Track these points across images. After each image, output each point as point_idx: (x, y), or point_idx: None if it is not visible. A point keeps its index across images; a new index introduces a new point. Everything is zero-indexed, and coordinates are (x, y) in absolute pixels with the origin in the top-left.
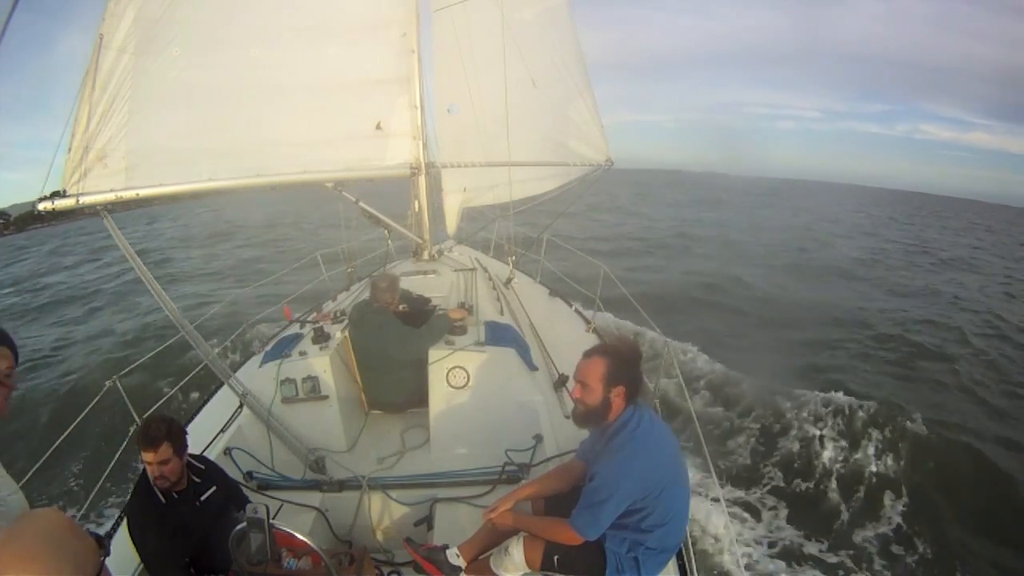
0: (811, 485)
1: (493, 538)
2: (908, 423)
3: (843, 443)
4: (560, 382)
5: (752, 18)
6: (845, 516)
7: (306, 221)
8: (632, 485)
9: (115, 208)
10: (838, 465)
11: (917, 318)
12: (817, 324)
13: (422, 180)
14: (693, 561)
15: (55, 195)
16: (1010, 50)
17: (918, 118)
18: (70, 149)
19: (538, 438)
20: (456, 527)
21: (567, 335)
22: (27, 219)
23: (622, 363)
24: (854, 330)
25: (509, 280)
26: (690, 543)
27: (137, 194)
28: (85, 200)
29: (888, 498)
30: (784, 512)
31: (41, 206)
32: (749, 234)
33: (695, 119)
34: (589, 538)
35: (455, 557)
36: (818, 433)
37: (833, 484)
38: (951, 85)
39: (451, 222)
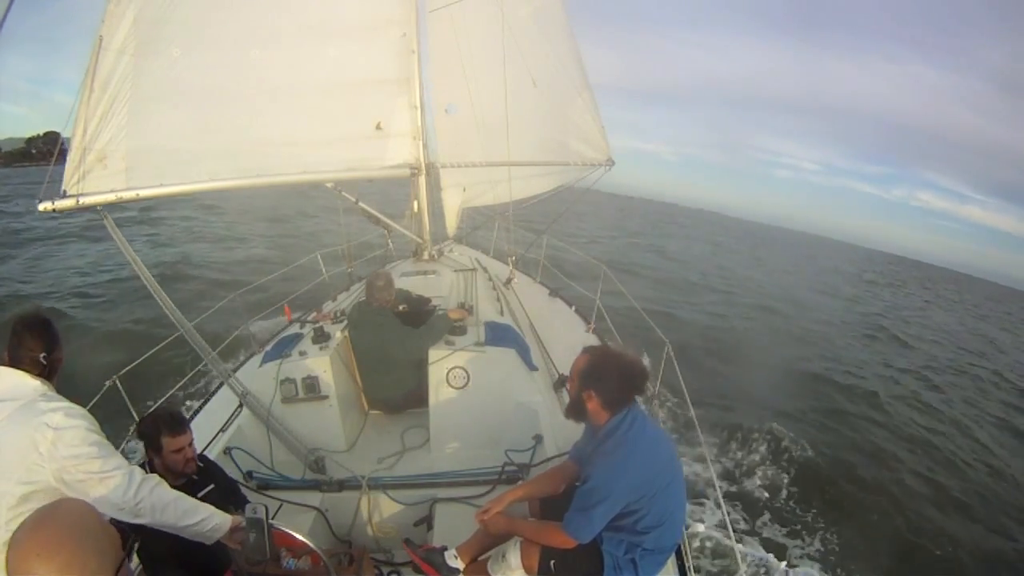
0: (814, 483)
1: (491, 540)
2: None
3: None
4: (560, 382)
5: (762, 62)
6: (848, 515)
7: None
8: (625, 488)
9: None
10: (844, 465)
11: None
12: None
13: (422, 180)
14: (691, 560)
15: (55, 196)
16: (1012, 129)
17: (916, 185)
18: (70, 150)
19: (538, 438)
20: (456, 527)
21: (567, 335)
22: (16, 156)
23: (604, 368)
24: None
25: (509, 280)
26: (687, 543)
27: (137, 194)
28: (85, 201)
29: (889, 502)
30: (785, 510)
31: (41, 207)
32: None
33: (694, 154)
34: (582, 541)
35: (453, 559)
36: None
37: (839, 483)
38: (952, 157)
39: (451, 222)
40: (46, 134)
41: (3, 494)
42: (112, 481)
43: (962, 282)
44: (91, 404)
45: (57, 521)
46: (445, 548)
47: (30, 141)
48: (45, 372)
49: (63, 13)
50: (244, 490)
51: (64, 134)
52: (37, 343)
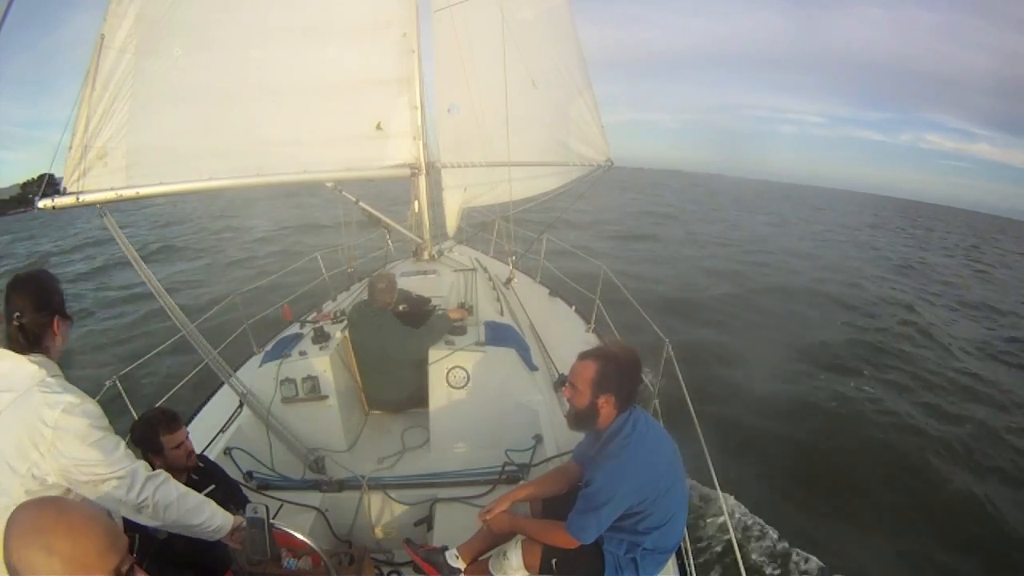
0: (815, 484)
1: (492, 540)
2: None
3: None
4: (560, 382)
5: (755, 21)
6: (850, 516)
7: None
8: (628, 490)
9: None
10: (846, 465)
11: None
12: None
13: (422, 180)
14: (692, 561)
15: (55, 192)
16: (1013, 62)
17: (922, 127)
18: (71, 148)
19: (538, 438)
20: (456, 527)
21: (567, 335)
22: (11, 203)
23: (614, 369)
24: None
25: (509, 280)
26: (688, 542)
27: (137, 193)
28: (85, 199)
29: (895, 499)
30: (786, 510)
31: (40, 204)
32: None
33: (695, 119)
34: (585, 542)
35: (454, 559)
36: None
37: (842, 483)
38: (955, 96)
39: (451, 222)
40: (40, 177)
41: (5, 490)
42: (116, 480)
43: None
44: None
45: (71, 504)
46: (446, 548)
47: (25, 186)
48: (25, 336)
49: (52, 51)
50: (244, 490)
51: (55, 172)
52: (22, 301)
